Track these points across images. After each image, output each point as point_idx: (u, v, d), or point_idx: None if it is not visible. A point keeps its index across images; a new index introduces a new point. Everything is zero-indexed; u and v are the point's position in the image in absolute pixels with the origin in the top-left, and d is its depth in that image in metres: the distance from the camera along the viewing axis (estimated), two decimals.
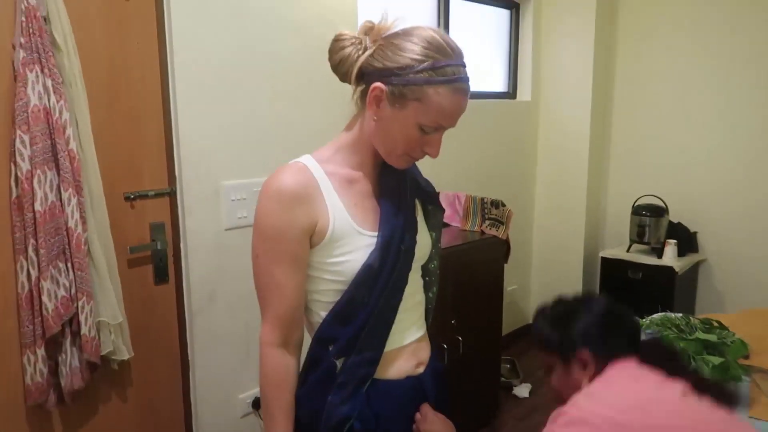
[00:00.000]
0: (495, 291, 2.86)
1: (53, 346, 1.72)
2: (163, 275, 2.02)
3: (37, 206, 1.60)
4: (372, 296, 1.10)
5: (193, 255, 2.07)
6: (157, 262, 2.00)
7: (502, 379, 3.12)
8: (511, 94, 3.64)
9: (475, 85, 3.36)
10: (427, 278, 1.30)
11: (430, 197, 1.28)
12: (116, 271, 1.80)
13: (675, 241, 3.21)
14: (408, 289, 1.17)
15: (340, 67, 1.09)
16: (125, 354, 1.83)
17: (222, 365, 2.21)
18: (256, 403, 2.31)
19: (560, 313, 1.25)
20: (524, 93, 3.66)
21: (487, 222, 2.75)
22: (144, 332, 1.98)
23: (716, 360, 1.53)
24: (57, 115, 1.62)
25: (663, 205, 3.31)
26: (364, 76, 1.08)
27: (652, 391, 1.07)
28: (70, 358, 1.72)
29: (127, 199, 1.90)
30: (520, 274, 3.80)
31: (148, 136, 1.94)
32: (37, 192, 1.60)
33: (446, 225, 2.90)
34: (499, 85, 3.61)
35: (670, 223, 3.35)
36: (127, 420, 1.98)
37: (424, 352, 1.25)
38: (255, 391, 2.31)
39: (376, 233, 1.11)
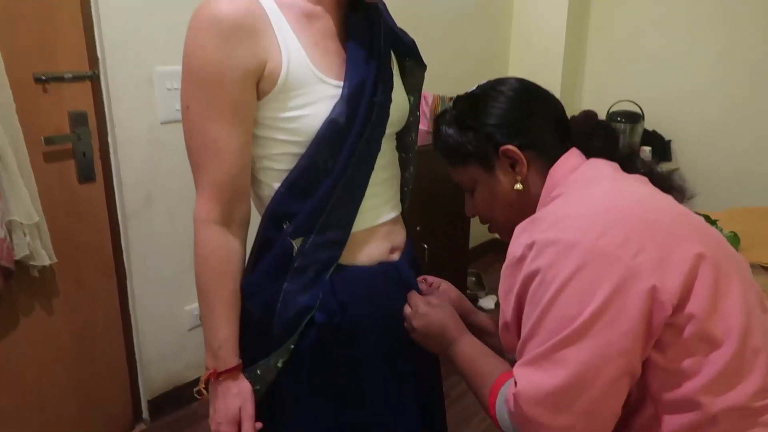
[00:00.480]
0: (462, 201, 2.71)
1: None
2: (89, 173, 1.77)
3: None
4: (337, 162, 0.88)
5: (123, 151, 1.82)
6: (80, 157, 1.74)
7: (467, 291, 3.04)
8: None
9: None
10: (404, 153, 1.09)
11: (408, 48, 1.05)
12: (28, 164, 1.55)
13: (649, 148, 3.09)
14: (381, 159, 0.96)
15: None
16: (45, 259, 1.61)
17: (163, 274, 2.01)
18: None
19: (465, 109, 0.93)
20: None
21: None
22: (69, 236, 1.75)
23: None
24: None
25: (639, 112, 3.16)
26: None
27: (632, 188, 0.84)
28: None
29: (38, 81, 1.62)
30: None
31: (62, 5, 1.63)
32: None
33: None
34: None
35: (645, 131, 3.22)
36: (56, 333, 1.78)
37: (399, 237, 1.05)
38: None
39: (341, 82, 0.88)
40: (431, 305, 0.99)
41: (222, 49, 0.82)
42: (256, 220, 0.97)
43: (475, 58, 3.29)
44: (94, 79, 1.74)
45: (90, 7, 1.68)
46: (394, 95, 0.97)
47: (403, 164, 1.10)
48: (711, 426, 0.72)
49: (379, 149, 0.95)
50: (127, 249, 1.90)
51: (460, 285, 2.78)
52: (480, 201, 0.95)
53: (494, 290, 3.23)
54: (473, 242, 3.53)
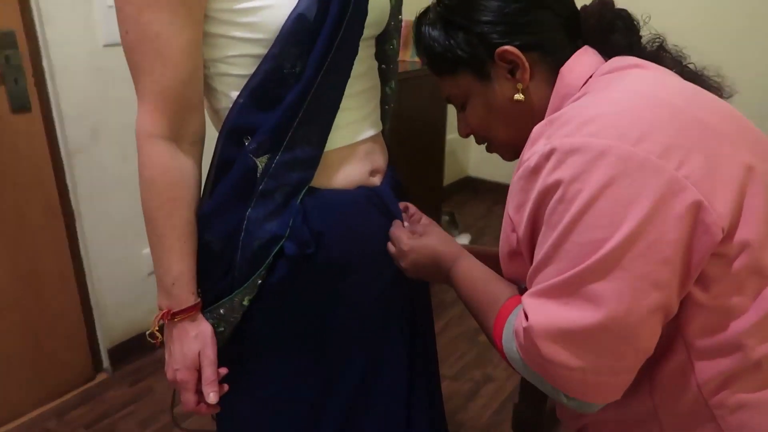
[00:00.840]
0: (437, 137, 2.60)
1: None
2: (23, 102, 1.58)
3: None
4: (306, 66, 0.74)
5: (61, 77, 1.63)
6: (11, 83, 1.54)
7: None
8: None
9: None
10: (383, 65, 0.94)
11: None
12: None
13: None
14: (358, 66, 0.81)
15: None
16: None
17: (117, 215, 1.85)
18: None
19: (453, 4, 0.76)
20: None
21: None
22: (5, 173, 1.57)
23: None
24: None
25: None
26: None
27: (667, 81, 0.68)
28: None
29: None
30: None
31: None
32: None
33: None
34: None
35: None
36: (0, 280, 1.63)
37: (381, 158, 0.91)
38: None
39: None
40: (416, 236, 0.86)
41: None
42: (212, 136, 0.83)
43: None
44: None
45: None
46: None
47: (383, 76, 0.95)
48: (753, 374, 0.62)
49: (355, 53, 0.80)
50: (73, 188, 1.73)
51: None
52: (474, 116, 0.79)
53: (468, 229, 3.17)
54: (447, 180, 3.43)
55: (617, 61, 0.71)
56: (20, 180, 1.61)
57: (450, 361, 2.09)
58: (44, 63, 1.59)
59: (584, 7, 0.77)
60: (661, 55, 0.75)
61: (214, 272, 0.81)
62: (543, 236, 0.62)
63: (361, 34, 0.80)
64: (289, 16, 0.72)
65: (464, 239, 3.03)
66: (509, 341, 0.67)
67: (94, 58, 1.68)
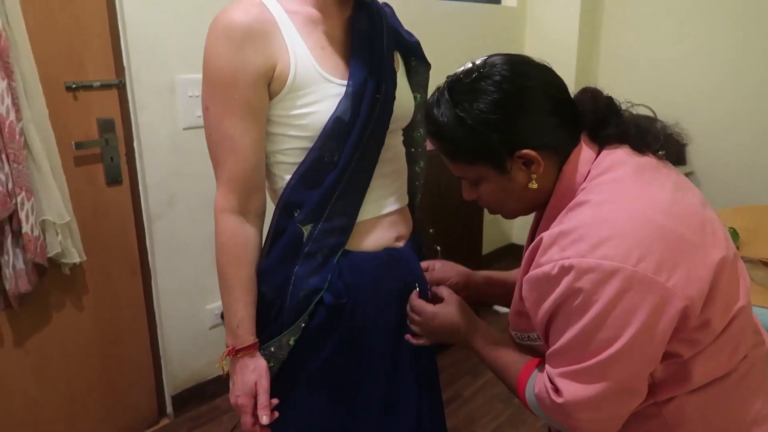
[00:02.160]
0: (476, 206, 2.74)
1: None
2: (116, 176, 1.87)
3: None
4: (342, 155, 0.95)
5: (148, 155, 1.92)
6: (107, 161, 1.84)
7: None
8: None
9: None
10: (412, 149, 1.16)
11: (413, 49, 1.12)
12: (60, 166, 1.65)
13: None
14: (386, 153, 1.03)
15: None
16: (76, 257, 1.70)
17: (186, 274, 2.10)
18: None
19: (466, 106, 0.84)
20: None
21: None
22: (98, 236, 1.85)
23: None
24: None
25: (652, 116, 3.17)
26: None
27: (662, 192, 0.82)
28: (13, 259, 1.59)
29: (68, 89, 1.72)
30: None
31: (90, 18, 1.74)
32: None
33: None
34: None
35: None
36: (85, 328, 1.87)
37: (404, 227, 1.11)
38: None
39: (345, 81, 0.95)
40: (436, 309, 1.04)
41: (235, 55, 0.90)
42: (271, 211, 1.05)
43: None
44: (121, 87, 1.84)
45: (116, 18, 1.78)
46: (398, 93, 1.03)
47: (412, 159, 1.16)
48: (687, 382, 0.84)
49: (382, 143, 1.02)
50: (151, 248, 1.99)
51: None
52: (488, 195, 0.91)
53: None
54: (489, 247, 3.57)
55: (609, 164, 0.85)
56: (108, 241, 1.89)
57: (485, 420, 2.18)
58: (135, 144, 1.89)
59: (577, 97, 0.91)
60: (647, 141, 0.90)
61: (267, 316, 1.01)
62: (561, 326, 0.81)
63: (387, 128, 1.02)
64: (329, 119, 0.94)
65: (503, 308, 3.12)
66: (531, 397, 0.89)
67: (175, 139, 1.97)
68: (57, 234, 1.65)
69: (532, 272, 0.82)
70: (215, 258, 1.00)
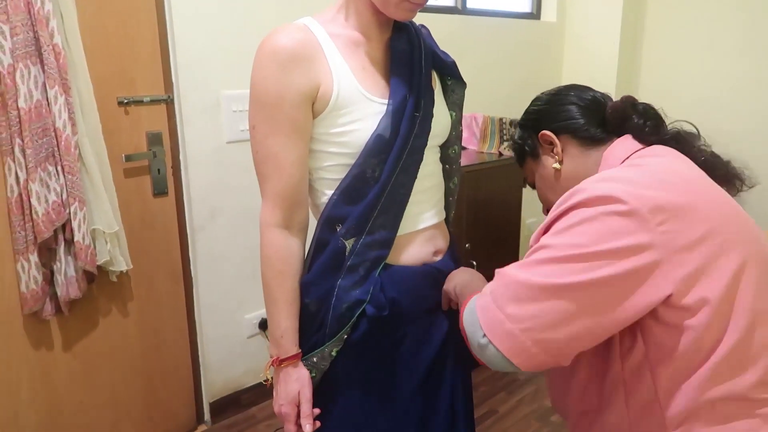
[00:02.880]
0: (512, 221, 2.75)
1: (47, 254, 1.66)
2: (162, 187, 1.94)
3: (21, 103, 1.50)
4: (383, 171, 0.98)
5: (193, 168, 1.99)
6: (155, 173, 1.91)
7: None
8: (534, 14, 3.42)
9: (496, 4, 3.15)
10: (447, 165, 1.18)
11: (449, 68, 1.15)
12: (110, 178, 1.72)
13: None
14: (424, 169, 1.05)
15: None
16: (123, 265, 1.77)
17: (226, 284, 2.15)
18: (263, 324, 2.27)
19: (523, 116, 1.09)
20: (549, 13, 3.44)
21: (506, 143, 2.60)
22: (143, 245, 1.91)
23: None
24: (38, 5, 1.50)
25: (695, 133, 3.11)
26: None
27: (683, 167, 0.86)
28: (65, 266, 1.66)
29: (120, 104, 1.80)
30: (540, 205, 3.66)
31: (142, 38, 1.82)
32: (20, 88, 1.50)
33: (463, 148, 2.76)
34: (523, 4, 3.39)
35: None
36: (130, 334, 1.94)
37: (442, 241, 1.13)
38: (261, 312, 2.26)
39: (386, 100, 0.99)
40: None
41: (281, 77, 0.94)
42: (313, 226, 1.08)
43: (528, 86, 3.34)
44: (169, 102, 1.91)
45: (167, 38, 1.86)
46: (435, 111, 1.06)
47: (447, 175, 1.18)
48: (708, 412, 0.76)
49: (421, 160, 1.04)
50: (194, 258, 2.05)
51: None
52: (538, 190, 1.07)
53: None
54: None
55: (649, 150, 0.90)
56: (153, 251, 1.95)
57: None
58: (181, 156, 1.95)
59: (611, 103, 1.00)
60: (681, 140, 0.93)
61: (311, 328, 1.04)
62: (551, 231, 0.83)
63: (426, 145, 1.04)
64: (371, 136, 0.97)
65: None
66: (470, 314, 0.88)
67: (219, 153, 2.03)
68: (106, 243, 1.72)
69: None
70: (260, 270, 1.03)
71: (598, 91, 1.04)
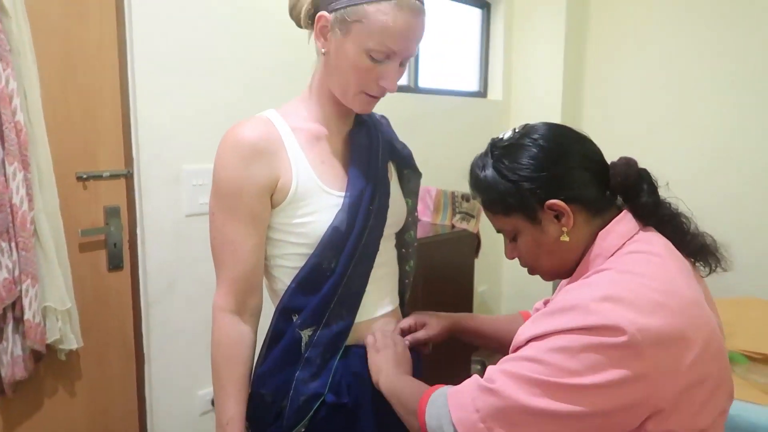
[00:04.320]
0: (465, 289, 2.82)
1: None
2: (118, 262, 1.91)
3: None
4: (339, 262, 1.02)
5: (150, 241, 1.97)
6: (111, 247, 1.89)
7: None
8: (482, 93, 3.63)
9: (446, 84, 3.33)
10: (403, 249, 1.23)
11: (405, 160, 1.21)
12: (65, 254, 1.69)
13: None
14: (380, 258, 1.10)
15: (294, 10, 1.04)
16: (74, 343, 1.71)
17: (180, 359, 2.10)
18: None
19: (504, 161, 0.92)
20: (495, 92, 3.65)
21: (458, 215, 2.70)
22: (95, 321, 1.86)
23: None
24: (2, 83, 1.51)
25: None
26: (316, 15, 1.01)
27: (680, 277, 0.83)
28: (12, 345, 1.60)
29: (79, 179, 1.79)
30: (491, 274, 3.76)
31: (105, 114, 1.84)
32: None
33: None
34: (471, 84, 3.59)
35: None
36: (76, 416, 1.85)
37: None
38: None
39: (343, 193, 1.04)
40: (376, 348, 1.09)
41: (242, 169, 0.99)
42: (269, 310, 1.10)
43: (475, 155, 3.49)
44: (128, 177, 1.91)
45: (129, 113, 1.89)
46: (391, 201, 1.12)
47: (402, 259, 1.23)
48: None
49: (377, 250, 1.09)
50: (147, 334, 2.00)
51: (465, 373, 2.82)
52: (524, 249, 0.96)
53: None
54: None
55: (641, 242, 0.88)
56: (106, 326, 1.90)
57: None
58: (138, 230, 1.94)
59: (613, 164, 0.95)
60: (677, 223, 0.93)
61: (267, 418, 1.04)
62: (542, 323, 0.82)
63: (381, 236, 1.09)
64: (327, 228, 1.01)
65: None
66: (436, 411, 0.87)
67: (177, 226, 2.03)
68: (57, 320, 1.66)
69: (548, 308, 0.85)
70: (210, 353, 1.05)
71: (587, 139, 0.97)
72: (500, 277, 3.88)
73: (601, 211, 0.92)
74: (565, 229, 0.90)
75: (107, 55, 1.83)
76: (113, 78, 1.85)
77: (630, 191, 0.92)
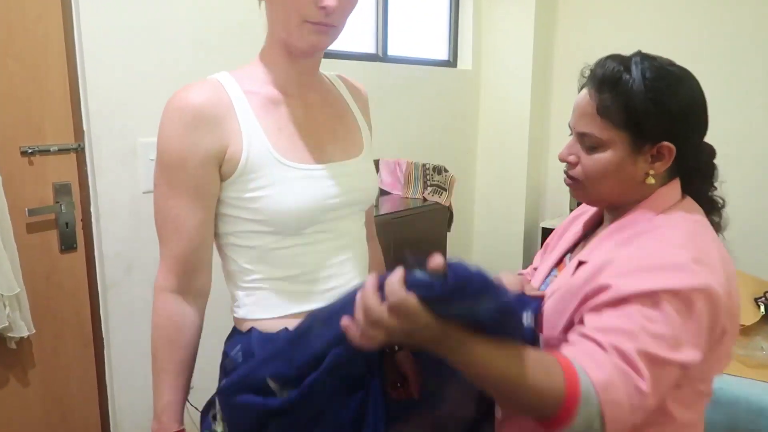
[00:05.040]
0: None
1: None
2: (71, 242, 1.79)
3: None
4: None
5: (106, 220, 1.85)
6: (62, 227, 1.76)
7: None
8: (451, 62, 3.54)
9: (415, 52, 3.23)
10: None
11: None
12: (11, 235, 1.56)
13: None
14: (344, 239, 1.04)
15: None
16: (24, 330, 1.60)
17: (141, 344, 1.98)
18: None
19: (661, 85, 0.87)
20: (465, 61, 3.57)
21: (430, 189, 2.64)
22: (49, 307, 1.75)
23: None
24: None
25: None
26: None
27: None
28: None
29: (24, 154, 1.65)
30: (462, 247, 3.73)
31: (50, 83, 1.69)
32: None
33: (387, 193, 2.77)
34: (440, 53, 3.50)
35: None
36: (31, 407, 1.74)
37: None
38: None
39: (301, 165, 0.95)
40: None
41: (185, 137, 0.89)
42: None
43: (447, 130, 3.43)
44: (79, 151, 1.78)
45: (77, 81, 1.74)
46: (363, 176, 1.06)
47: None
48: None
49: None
50: (105, 319, 1.89)
51: None
52: (598, 164, 0.89)
53: None
54: None
55: (689, 211, 0.90)
56: (60, 311, 1.78)
57: None
58: (92, 209, 1.81)
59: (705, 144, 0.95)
60: (713, 203, 0.96)
61: None
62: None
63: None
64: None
65: None
66: (590, 390, 0.70)
67: (135, 203, 1.91)
68: (5, 307, 1.55)
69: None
70: (151, 335, 0.98)
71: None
72: (471, 250, 3.86)
73: (676, 173, 0.92)
74: (652, 171, 0.88)
75: (51, 18, 1.67)
76: (58, 43, 1.70)
77: (700, 174, 0.94)
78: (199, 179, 0.91)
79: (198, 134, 0.89)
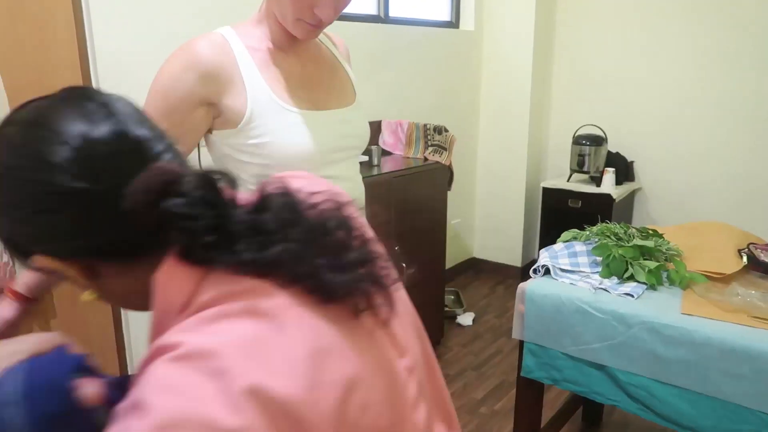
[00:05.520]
0: (439, 223, 2.84)
1: None
2: None
3: None
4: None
5: None
6: None
7: (446, 308, 3.15)
8: (453, 23, 3.55)
9: (417, 13, 3.25)
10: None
11: None
12: None
13: (613, 169, 3.26)
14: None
15: None
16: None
17: None
18: None
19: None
20: (467, 22, 3.58)
21: (430, 148, 2.70)
22: (72, 313, 1.85)
23: (652, 264, 1.56)
24: None
25: (602, 135, 3.35)
26: None
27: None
28: None
29: None
30: (464, 207, 3.80)
31: (60, 51, 1.76)
32: None
33: (388, 153, 2.84)
34: (442, 14, 3.51)
35: (609, 152, 3.40)
36: None
37: None
38: None
39: (302, 109, 1.04)
40: None
41: (189, 82, 0.97)
42: None
43: (449, 91, 3.46)
44: None
45: (86, 49, 1.81)
46: (357, 123, 1.15)
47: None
48: None
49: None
50: (127, 326, 1.99)
51: (439, 303, 2.90)
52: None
53: (472, 307, 3.36)
54: (453, 261, 3.67)
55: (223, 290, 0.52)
56: (82, 318, 1.88)
57: None
58: None
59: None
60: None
61: None
62: None
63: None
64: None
65: (468, 318, 3.21)
66: None
67: None
68: None
69: None
70: None
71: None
72: (473, 209, 3.93)
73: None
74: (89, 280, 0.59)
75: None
76: (66, 9, 1.76)
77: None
78: (186, 120, 0.99)
79: (200, 85, 0.97)
